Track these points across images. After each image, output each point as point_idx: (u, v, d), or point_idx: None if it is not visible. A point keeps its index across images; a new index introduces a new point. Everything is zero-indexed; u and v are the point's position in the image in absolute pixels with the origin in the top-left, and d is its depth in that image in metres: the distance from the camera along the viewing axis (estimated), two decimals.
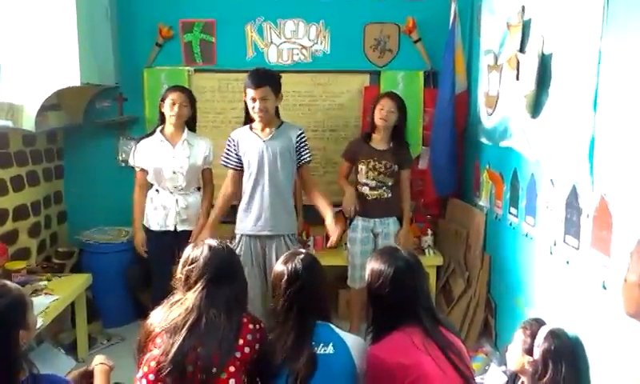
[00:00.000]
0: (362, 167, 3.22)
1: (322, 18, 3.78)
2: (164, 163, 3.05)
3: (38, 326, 2.36)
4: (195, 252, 1.79)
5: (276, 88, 2.78)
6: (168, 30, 3.75)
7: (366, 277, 1.82)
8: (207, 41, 3.80)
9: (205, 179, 3.20)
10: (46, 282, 2.98)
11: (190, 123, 3.16)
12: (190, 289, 1.74)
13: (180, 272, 1.80)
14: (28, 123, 3.13)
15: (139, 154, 3.12)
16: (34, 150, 3.46)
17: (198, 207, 3.13)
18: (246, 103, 2.80)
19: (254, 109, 2.73)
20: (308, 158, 2.89)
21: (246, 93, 2.77)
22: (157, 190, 3.13)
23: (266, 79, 2.74)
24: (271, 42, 3.81)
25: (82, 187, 3.83)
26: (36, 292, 2.82)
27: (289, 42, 3.82)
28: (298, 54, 3.83)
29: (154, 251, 3.16)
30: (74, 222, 3.87)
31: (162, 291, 3.09)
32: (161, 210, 3.10)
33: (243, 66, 3.76)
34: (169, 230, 3.09)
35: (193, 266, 1.76)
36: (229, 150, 2.90)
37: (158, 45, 3.77)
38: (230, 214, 3.03)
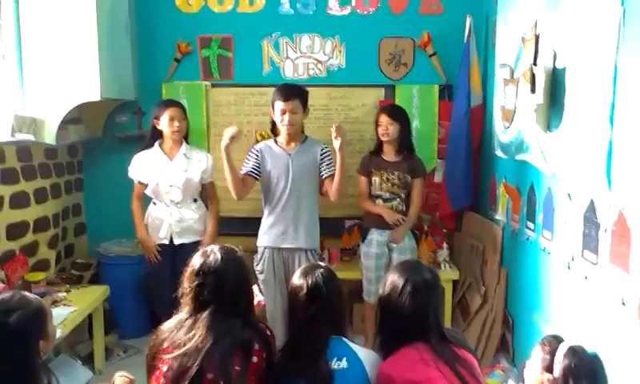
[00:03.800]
0: (375, 179, 3.21)
1: (337, 33, 3.82)
2: (161, 177, 3.08)
3: (57, 337, 2.39)
4: (207, 263, 1.73)
5: (304, 102, 2.85)
6: (186, 45, 3.82)
7: (382, 287, 1.81)
8: (224, 56, 3.86)
9: (209, 194, 3.22)
10: (64, 294, 3.03)
11: (186, 136, 3.20)
12: (201, 306, 1.70)
13: (189, 284, 1.74)
14: (49, 137, 3.20)
15: (135, 167, 3.15)
16: (56, 163, 3.53)
17: (193, 220, 3.14)
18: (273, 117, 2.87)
19: (283, 121, 2.79)
20: (329, 173, 2.91)
21: (274, 106, 2.81)
22: (154, 203, 3.17)
23: (296, 93, 2.81)
24: (287, 57, 3.86)
25: (101, 200, 3.89)
26: (55, 303, 2.86)
27: (304, 56, 3.86)
28: (313, 69, 3.86)
29: (153, 264, 3.19)
30: (94, 234, 3.93)
31: (164, 305, 3.16)
32: (157, 224, 3.13)
33: (259, 80, 3.82)
34: (164, 244, 3.12)
35: (204, 279, 1.71)
36: (249, 157, 2.94)
37: (177, 60, 3.84)
38: (252, 227, 3.05)
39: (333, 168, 2.90)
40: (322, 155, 2.91)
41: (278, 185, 2.87)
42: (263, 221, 2.96)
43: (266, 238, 2.92)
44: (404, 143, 3.22)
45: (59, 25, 3.15)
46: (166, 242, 3.11)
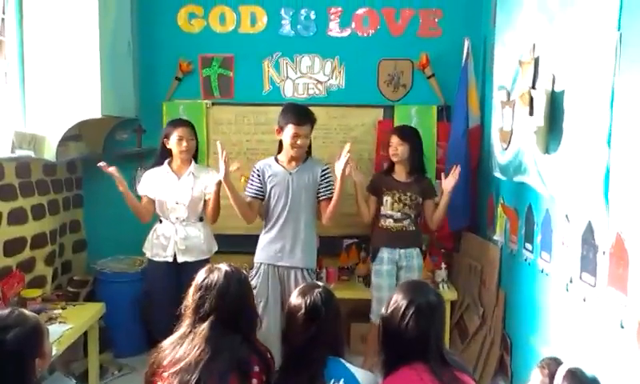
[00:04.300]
0: (387, 199, 3.21)
1: (337, 54, 3.86)
2: (167, 194, 3.09)
3: (52, 354, 2.37)
4: (210, 278, 1.77)
5: (313, 127, 2.89)
6: (188, 64, 3.86)
7: (385, 307, 1.78)
8: (225, 75, 3.89)
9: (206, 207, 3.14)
10: (60, 311, 2.99)
11: (195, 155, 3.20)
12: (201, 320, 1.72)
13: (192, 298, 1.77)
14: (49, 153, 3.21)
15: (144, 183, 3.16)
16: (55, 180, 3.53)
17: (198, 238, 3.13)
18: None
19: (294, 145, 2.80)
20: (328, 195, 2.91)
21: (283, 127, 2.82)
22: (160, 221, 3.16)
23: (309, 119, 2.84)
24: (287, 77, 3.89)
25: (101, 216, 3.88)
26: (50, 320, 2.83)
27: (304, 76, 3.89)
28: (313, 89, 3.90)
29: (154, 281, 3.17)
30: (92, 250, 3.92)
31: (161, 322, 3.10)
32: (161, 240, 3.11)
33: (259, 99, 3.85)
34: (168, 261, 3.09)
35: (206, 294, 1.74)
36: (252, 179, 2.94)
37: (178, 79, 3.88)
38: (249, 245, 3.04)
39: (331, 191, 2.91)
40: (321, 176, 2.92)
41: (277, 203, 2.88)
42: (261, 237, 2.96)
43: (263, 254, 2.91)
44: (415, 164, 3.24)
45: (62, 42, 3.19)
46: (170, 259, 3.09)
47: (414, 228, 3.23)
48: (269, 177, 2.90)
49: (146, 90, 3.87)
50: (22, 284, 3.01)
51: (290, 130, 2.80)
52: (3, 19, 3.07)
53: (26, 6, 3.16)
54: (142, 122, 3.90)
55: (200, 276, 1.79)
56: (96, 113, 3.24)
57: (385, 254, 3.19)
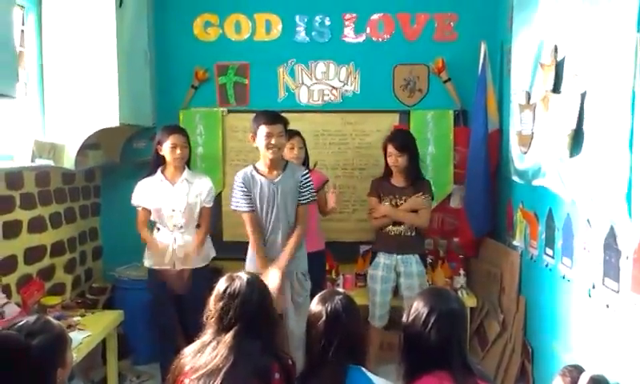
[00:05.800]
0: (384, 204, 3.26)
1: (352, 59, 3.86)
2: (163, 202, 3.08)
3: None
4: (232, 287, 1.77)
5: (286, 130, 2.85)
6: (204, 72, 3.89)
7: (406, 315, 1.75)
8: (241, 83, 3.92)
9: (202, 216, 3.16)
10: (79, 318, 3.02)
11: (187, 161, 3.19)
12: (225, 329, 1.72)
13: (214, 307, 1.77)
14: (68, 162, 3.26)
15: (138, 193, 3.15)
16: (73, 188, 3.57)
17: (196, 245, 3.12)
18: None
19: (270, 144, 2.73)
20: (308, 200, 2.86)
21: (256, 133, 2.77)
22: (157, 229, 3.16)
23: (280, 118, 2.81)
24: (302, 83, 3.90)
25: (118, 224, 3.91)
26: (70, 327, 2.85)
27: (319, 82, 3.90)
28: (328, 95, 3.90)
29: (156, 289, 3.15)
30: (110, 258, 3.96)
31: (162, 329, 3.04)
32: (160, 249, 3.10)
33: (275, 106, 3.83)
34: (167, 269, 3.08)
35: (229, 302, 1.74)
36: (241, 192, 2.83)
37: (194, 87, 3.91)
38: (239, 252, 3.02)
39: (308, 199, 2.85)
40: (301, 182, 2.84)
41: (264, 214, 2.82)
42: (250, 247, 2.89)
43: (252, 264, 2.84)
44: (413, 172, 3.26)
45: (80, 53, 3.23)
46: (169, 267, 3.09)
47: (412, 233, 3.25)
48: (253, 189, 2.82)
49: (163, 98, 3.90)
50: (41, 291, 3.05)
51: (262, 130, 2.74)
52: (23, 31, 3.13)
53: (45, 17, 3.22)
54: (159, 130, 3.92)
55: (221, 285, 1.79)
56: (114, 121, 3.27)
57: (381, 259, 3.25)
